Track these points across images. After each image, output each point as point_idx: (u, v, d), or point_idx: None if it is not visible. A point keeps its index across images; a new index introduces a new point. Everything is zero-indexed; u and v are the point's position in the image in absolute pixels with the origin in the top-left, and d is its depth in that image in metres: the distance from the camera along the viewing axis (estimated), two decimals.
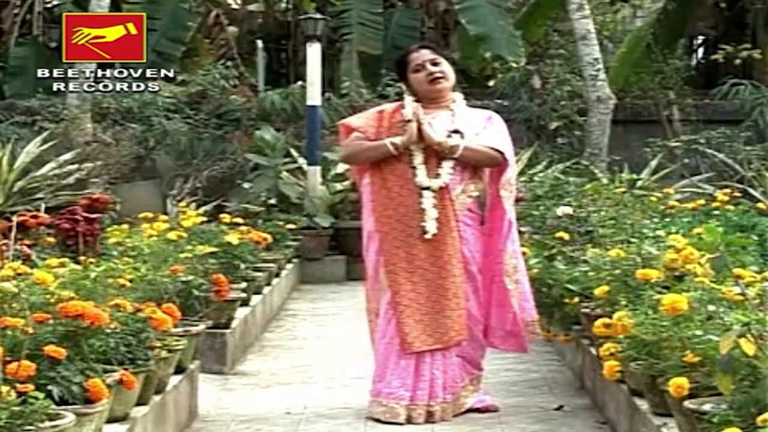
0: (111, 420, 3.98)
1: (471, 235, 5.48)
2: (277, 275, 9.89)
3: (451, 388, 5.41)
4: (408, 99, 5.59)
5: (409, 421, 5.29)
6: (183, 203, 11.27)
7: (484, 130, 5.55)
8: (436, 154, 5.45)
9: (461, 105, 5.63)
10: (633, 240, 5.89)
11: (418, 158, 5.45)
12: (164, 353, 4.57)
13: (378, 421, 5.30)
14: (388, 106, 5.73)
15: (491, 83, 15.30)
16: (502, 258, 5.50)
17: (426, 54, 5.58)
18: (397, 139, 5.44)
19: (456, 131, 5.47)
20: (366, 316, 5.69)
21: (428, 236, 5.39)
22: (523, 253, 5.99)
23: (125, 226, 7.70)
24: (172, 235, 6.92)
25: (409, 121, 5.47)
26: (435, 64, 5.54)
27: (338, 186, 12.76)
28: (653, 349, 4.25)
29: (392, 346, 5.39)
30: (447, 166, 5.44)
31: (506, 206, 5.49)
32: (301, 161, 12.99)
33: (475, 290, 5.49)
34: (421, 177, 5.43)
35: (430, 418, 5.33)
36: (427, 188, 5.42)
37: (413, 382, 5.34)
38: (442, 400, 5.38)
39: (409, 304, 5.37)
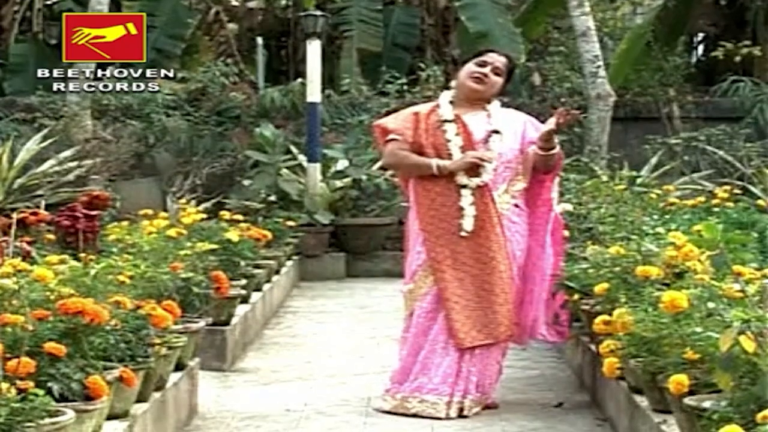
0: (111, 417, 3.98)
1: (515, 233, 5.54)
2: (277, 272, 9.89)
3: (483, 387, 5.48)
4: (444, 97, 5.65)
5: (446, 416, 5.36)
6: (183, 200, 11.24)
7: (526, 133, 5.62)
8: None
9: (496, 107, 5.68)
10: (633, 237, 5.88)
11: (457, 157, 5.51)
12: (164, 350, 4.56)
13: (415, 416, 5.35)
14: (423, 107, 5.76)
15: None
16: (547, 247, 5.59)
17: (499, 60, 5.64)
18: (445, 163, 5.50)
19: (495, 131, 5.55)
20: (404, 310, 5.67)
21: (464, 234, 5.45)
22: None
23: (125, 223, 7.68)
24: (172, 232, 6.91)
25: (446, 121, 5.54)
26: (496, 73, 5.60)
27: (338, 183, 12.74)
28: (653, 346, 4.25)
29: (437, 343, 5.45)
30: (488, 165, 5.49)
31: (553, 195, 5.63)
32: (301, 158, 12.96)
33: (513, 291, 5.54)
34: (460, 175, 5.49)
35: (460, 413, 5.40)
36: (465, 186, 5.47)
37: (454, 379, 5.40)
38: (473, 396, 5.44)
39: (458, 301, 5.45)
